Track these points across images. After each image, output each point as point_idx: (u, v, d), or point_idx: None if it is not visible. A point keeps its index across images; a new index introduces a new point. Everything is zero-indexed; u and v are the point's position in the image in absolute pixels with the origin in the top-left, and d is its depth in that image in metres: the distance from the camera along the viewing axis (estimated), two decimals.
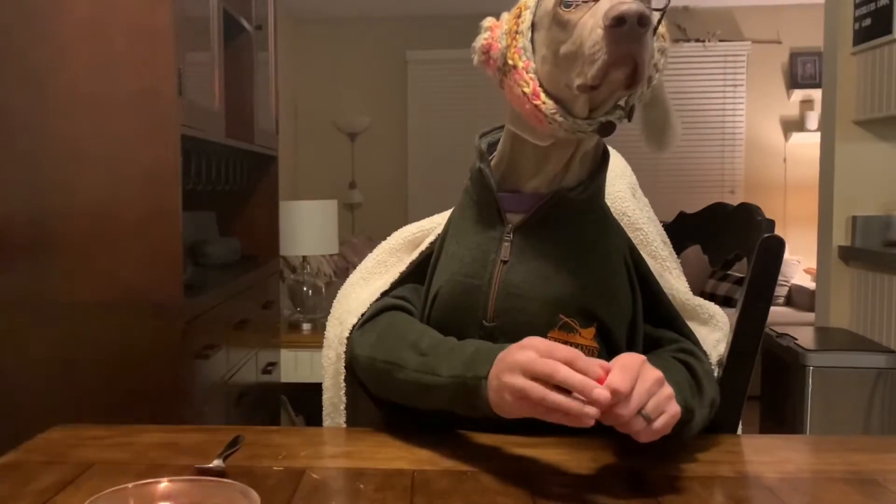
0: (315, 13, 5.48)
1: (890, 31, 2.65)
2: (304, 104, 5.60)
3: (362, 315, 1.10)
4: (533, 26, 0.94)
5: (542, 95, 0.92)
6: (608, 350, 1.01)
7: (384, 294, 1.12)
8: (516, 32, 0.94)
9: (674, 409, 0.82)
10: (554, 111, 0.92)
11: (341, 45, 5.62)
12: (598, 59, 0.83)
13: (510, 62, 0.95)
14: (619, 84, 0.85)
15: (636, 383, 0.79)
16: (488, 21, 0.98)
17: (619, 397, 0.77)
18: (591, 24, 0.85)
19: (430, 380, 0.93)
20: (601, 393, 0.76)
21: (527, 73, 0.93)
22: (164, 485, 0.67)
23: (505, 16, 0.98)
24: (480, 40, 0.97)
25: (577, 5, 0.88)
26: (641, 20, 0.80)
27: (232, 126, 2.49)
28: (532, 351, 0.81)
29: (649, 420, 0.80)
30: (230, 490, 0.66)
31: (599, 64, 0.83)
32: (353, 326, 1.09)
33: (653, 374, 0.82)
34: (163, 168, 1.87)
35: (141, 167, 1.87)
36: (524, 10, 0.95)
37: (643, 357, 0.83)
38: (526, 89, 0.93)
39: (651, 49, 0.88)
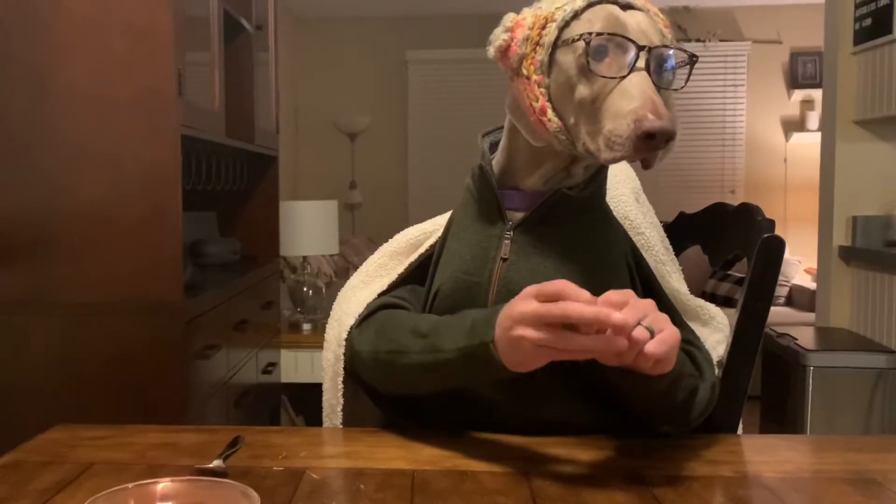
0: (315, 13, 5.49)
1: (890, 31, 2.65)
2: (304, 104, 5.60)
3: (360, 315, 1.10)
4: (556, 43, 0.92)
5: (550, 112, 0.92)
6: None
7: (382, 295, 1.12)
8: (537, 44, 0.93)
9: (673, 329, 0.82)
10: (558, 130, 0.92)
11: (341, 44, 5.62)
12: (616, 150, 0.86)
13: (524, 71, 0.94)
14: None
15: (630, 300, 0.80)
16: (510, 19, 0.96)
17: (615, 305, 0.78)
18: (615, 107, 0.86)
19: (435, 358, 0.93)
20: (619, 317, 0.76)
21: (539, 87, 0.93)
22: (163, 485, 0.67)
23: (527, 13, 0.96)
24: (500, 38, 0.95)
25: (606, 58, 0.88)
26: (668, 138, 0.83)
27: (232, 126, 2.49)
28: (532, 300, 0.82)
29: (651, 330, 0.79)
30: (230, 490, 0.66)
31: (616, 156, 0.86)
32: (352, 327, 1.09)
33: (647, 301, 0.83)
34: (163, 168, 1.88)
35: (141, 167, 1.87)
36: (550, 23, 0.92)
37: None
38: (535, 103, 0.93)
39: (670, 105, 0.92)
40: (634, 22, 0.90)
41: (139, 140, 1.87)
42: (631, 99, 0.85)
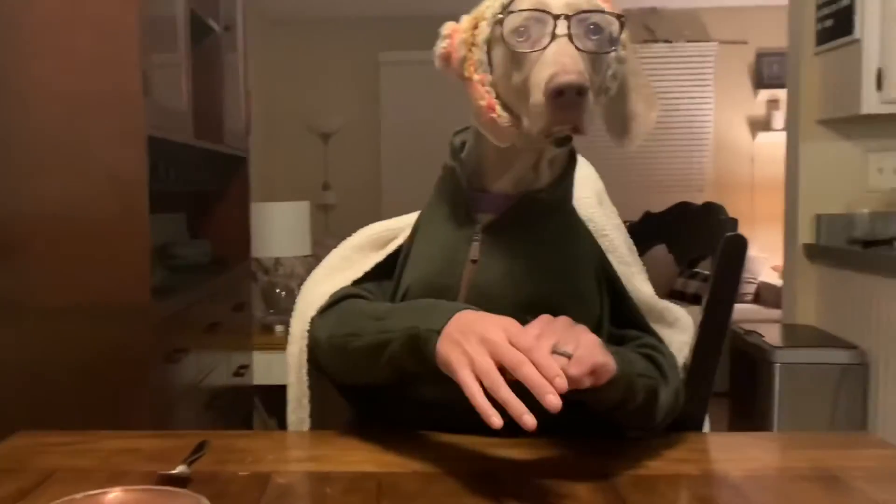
0: (286, 14, 5.46)
1: (851, 32, 2.70)
2: (276, 105, 5.57)
3: (323, 304, 1.09)
4: (491, 40, 0.94)
5: (498, 108, 0.93)
6: None
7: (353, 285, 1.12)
8: (472, 44, 0.94)
9: (587, 336, 0.84)
10: (509, 124, 0.93)
11: (313, 46, 5.60)
12: (539, 119, 0.86)
13: (467, 74, 0.95)
14: (564, 133, 0.88)
15: (537, 331, 0.83)
16: (447, 27, 0.98)
17: (523, 346, 0.80)
18: (537, 78, 0.87)
19: (383, 338, 0.94)
20: (553, 401, 0.76)
21: (482, 85, 0.94)
22: (114, 495, 0.66)
23: (465, 19, 0.98)
24: (440, 47, 0.97)
25: (528, 38, 0.89)
26: (580, 91, 0.83)
27: (200, 127, 2.47)
28: (503, 332, 0.83)
29: (567, 354, 0.80)
30: (184, 499, 0.66)
31: (541, 125, 0.86)
32: (313, 316, 1.09)
33: (557, 320, 0.86)
34: (129, 169, 1.86)
35: (107, 169, 1.85)
36: (481, 22, 0.94)
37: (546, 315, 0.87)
38: (481, 103, 0.94)
39: (605, 72, 0.93)
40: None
41: (105, 141, 1.85)
42: (547, 67, 0.85)
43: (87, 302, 1.86)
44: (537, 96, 0.86)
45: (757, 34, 5.41)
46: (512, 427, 0.99)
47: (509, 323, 0.84)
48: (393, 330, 0.93)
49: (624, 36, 0.93)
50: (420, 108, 5.52)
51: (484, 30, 0.93)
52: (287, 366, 1.14)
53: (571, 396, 0.90)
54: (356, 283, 1.12)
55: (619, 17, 0.92)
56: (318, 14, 5.46)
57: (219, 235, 2.99)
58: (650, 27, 5.40)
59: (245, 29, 3.11)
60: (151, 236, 1.89)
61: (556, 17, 0.88)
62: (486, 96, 0.93)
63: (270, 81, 5.54)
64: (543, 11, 0.88)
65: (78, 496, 0.65)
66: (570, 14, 0.88)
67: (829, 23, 2.83)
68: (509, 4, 0.92)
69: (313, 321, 1.09)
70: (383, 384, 1.02)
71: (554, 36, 0.87)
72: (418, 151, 5.48)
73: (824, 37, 2.87)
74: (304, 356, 1.10)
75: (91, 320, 1.86)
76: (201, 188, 2.86)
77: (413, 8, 5.19)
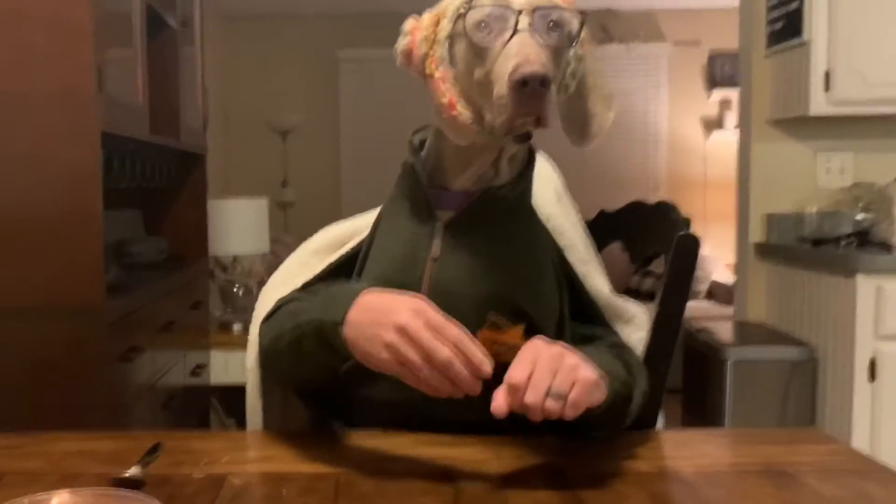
0: (244, 10, 5.40)
1: (800, 34, 2.76)
2: (234, 102, 5.51)
3: (269, 311, 1.09)
4: (453, 36, 0.94)
5: (459, 105, 0.94)
6: None
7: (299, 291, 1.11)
8: (434, 41, 0.95)
9: (584, 375, 0.83)
10: (470, 121, 0.93)
11: (272, 42, 5.55)
12: (502, 111, 0.87)
13: (428, 71, 0.96)
14: (527, 127, 0.89)
15: (535, 367, 0.82)
16: (409, 23, 0.98)
17: (518, 389, 0.80)
18: (500, 70, 0.87)
19: (296, 334, 0.94)
20: (474, 389, 0.79)
21: (444, 83, 0.94)
22: (60, 498, 0.65)
23: (426, 16, 0.98)
24: (401, 44, 0.98)
25: (491, 32, 0.90)
26: (544, 82, 0.84)
27: (156, 123, 2.44)
28: (419, 318, 0.83)
29: (562, 397, 0.81)
30: (133, 502, 0.65)
31: (505, 117, 0.87)
32: (261, 324, 1.09)
33: (549, 351, 0.84)
34: (82, 166, 1.82)
35: (59, 165, 1.82)
36: (443, 18, 0.95)
37: (539, 341, 0.86)
38: (443, 99, 0.94)
39: (564, 68, 0.94)
40: None
41: (57, 137, 1.81)
42: (509, 59, 0.87)
43: (38, 301, 1.83)
44: (501, 88, 0.86)
45: (710, 35, 5.49)
46: (469, 426, 1.01)
47: (421, 306, 0.84)
48: (302, 325, 0.93)
49: (583, 34, 0.95)
50: (379, 105, 5.50)
51: (446, 26, 0.94)
52: (246, 370, 1.13)
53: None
54: (307, 285, 1.12)
55: (579, 14, 0.93)
56: (276, 10, 5.41)
57: (175, 233, 2.94)
58: (606, 28, 5.46)
59: (202, 24, 3.07)
60: (105, 233, 1.86)
61: (518, 12, 0.89)
62: (447, 93, 0.94)
63: (228, 77, 5.47)
64: (505, 7, 0.89)
65: (24, 500, 0.64)
66: (531, 9, 0.89)
67: (779, 25, 2.89)
68: (471, 0, 0.92)
69: (260, 329, 1.08)
70: (323, 383, 1.03)
71: (516, 30, 0.88)
72: (378, 148, 5.46)
73: (774, 38, 2.92)
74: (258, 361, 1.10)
75: (42, 319, 1.83)
76: (158, 185, 2.82)
77: (372, 5, 5.17)
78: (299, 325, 0.94)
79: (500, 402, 0.81)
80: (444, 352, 0.80)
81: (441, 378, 0.81)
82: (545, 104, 0.86)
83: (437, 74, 0.94)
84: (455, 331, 0.82)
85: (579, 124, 0.99)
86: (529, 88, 0.84)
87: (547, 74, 0.84)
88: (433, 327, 0.82)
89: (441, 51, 0.94)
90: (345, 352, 0.88)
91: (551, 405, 0.80)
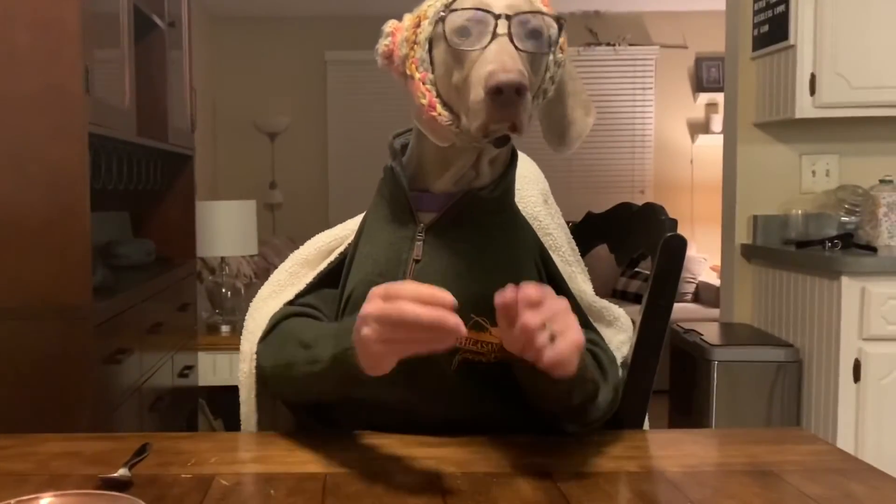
0: (233, 12, 5.39)
1: (786, 38, 2.78)
2: (222, 103, 5.50)
3: (265, 330, 1.09)
4: (433, 38, 0.95)
5: (439, 107, 0.94)
6: None
7: (290, 304, 1.11)
8: (414, 43, 0.95)
9: (577, 335, 0.84)
10: (449, 122, 0.94)
11: (260, 44, 5.54)
12: (477, 116, 0.88)
13: (408, 72, 0.96)
14: (501, 132, 0.89)
15: (546, 300, 0.82)
16: (390, 25, 0.98)
17: (529, 303, 0.80)
18: (477, 75, 0.88)
19: (315, 368, 0.94)
20: (456, 322, 0.78)
21: (423, 84, 0.95)
22: (46, 500, 0.65)
23: (407, 18, 0.98)
24: (382, 45, 0.98)
25: (470, 36, 0.90)
26: (519, 90, 0.85)
27: (144, 124, 2.43)
28: (377, 299, 0.82)
29: (553, 337, 0.81)
30: (118, 503, 0.65)
31: (479, 122, 0.88)
32: (258, 343, 1.09)
33: (562, 301, 0.85)
34: (69, 167, 1.82)
35: (46, 166, 1.81)
36: (423, 20, 0.95)
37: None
38: (423, 101, 0.95)
39: (543, 73, 0.94)
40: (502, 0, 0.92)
41: (44, 138, 1.81)
42: (487, 64, 0.87)
43: (25, 302, 1.82)
44: (477, 93, 0.87)
45: (696, 39, 5.53)
46: (456, 426, 1.01)
47: (373, 291, 0.84)
48: (320, 359, 0.93)
49: (562, 39, 0.95)
50: (367, 107, 5.51)
51: (426, 28, 0.94)
52: (239, 383, 1.13)
53: (525, 381, 0.91)
54: (299, 296, 1.12)
55: (558, 19, 0.94)
56: (265, 12, 5.40)
57: (163, 234, 2.94)
58: (593, 30, 5.48)
59: (190, 25, 3.06)
60: (92, 235, 1.85)
61: (497, 17, 0.89)
62: (426, 94, 0.94)
63: (217, 79, 5.46)
64: (485, 11, 0.90)
65: (11, 502, 0.64)
66: (511, 14, 0.90)
67: (765, 28, 2.91)
68: (451, 3, 0.93)
69: (258, 349, 1.09)
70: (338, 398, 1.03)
71: (494, 35, 0.89)
72: (365, 150, 5.46)
73: (760, 42, 2.94)
74: (254, 379, 1.10)
75: (29, 321, 1.82)
76: (145, 186, 2.81)
77: (360, 7, 5.18)
78: (317, 360, 0.94)
79: (508, 295, 0.81)
80: (404, 307, 0.79)
81: (423, 329, 0.80)
82: (520, 111, 0.86)
83: (417, 76, 0.95)
84: (406, 286, 0.81)
85: (558, 130, 0.99)
86: (505, 96, 0.85)
87: (523, 82, 0.85)
88: (386, 295, 0.81)
89: (421, 53, 0.95)
90: (362, 373, 0.88)
91: (541, 337, 0.80)
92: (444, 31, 0.92)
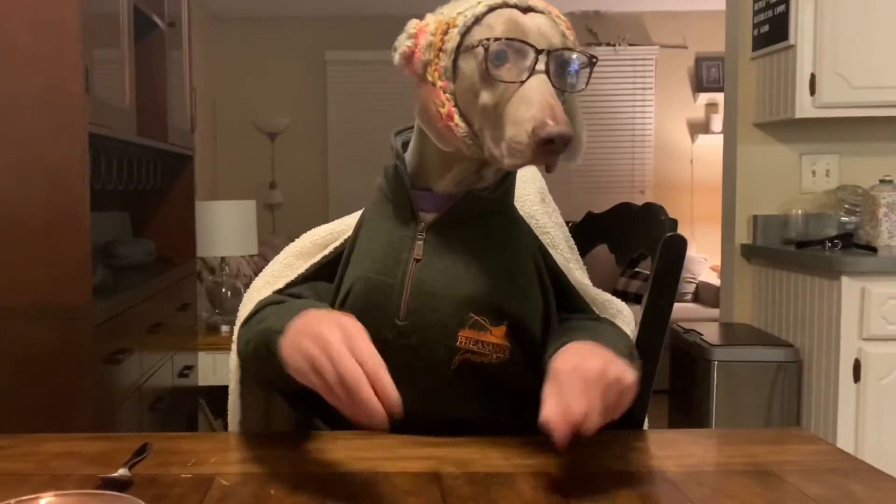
0: (233, 12, 5.39)
1: (786, 38, 2.78)
2: (222, 103, 5.50)
3: (248, 314, 1.08)
4: (459, 49, 0.93)
5: (457, 117, 0.94)
6: (524, 347, 1.03)
7: (279, 293, 1.10)
8: (440, 50, 0.94)
9: (628, 384, 0.85)
10: (465, 134, 0.94)
11: (260, 44, 5.54)
12: (517, 156, 0.88)
13: (430, 78, 0.95)
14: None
15: (587, 393, 0.82)
16: (413, 26, 0.96)
17: (578, 423, 0.81)
18: (517, 114, 0.87)
19: (257, 341, 0.95)
20: (382, 419, 0.76)
21: (444, 93, 0.94)
22: (46, 500, 0.65)
23: (430, 18, 0.97)
24: (404, 44, 0.96)
25: (506, 63, 0.90)
26: (566, 142, 0.85)
27: (144, 124, 2.43)
28: (340, 332, 0.79)
29: (614, 412, 0.84)
30: (120, 503, 0.65)
31: (517, 162, 0.89)
32: (239, 327, 1.09)
33: (592, 371, 0.84)
34: (69, 167, 1.82)
35: (46, 166, 1.81)
36: (452, 28, 0.93)
37: (575, 362, 0.85)
38: (441, 109, 0.94)
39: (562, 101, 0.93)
40: (535, 25, 0.91)
41: (44, 138, 1.81)
42: (530, 105, 0.87)
43: (25, 302, 1.82)
44: (519, 134, 0.87)
45: (696, 39, 5.53)
46: (457, 426, 1.01)
47: (349, 323, 0.81)
48: (262, 332, 0.93)
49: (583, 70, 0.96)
50: (367, 107, 5.51)
51: (454, 37, 0.93)
52: (230, 373, 1.14)
53: None
54: (289, 285, 1.12)
55: (590, 57, 0.94)
56: (265, 12, 5.40)
57: (163, 234, 2.94)
58: (593, 30, 5.48)
59: (190, 25, 3.06)
60: (93, 235, 1.85)
61: (539, 52, 0.89)
62: (447, 104, 0.93)
63: (217, 79, 5.46)
64: (523, 41, 0.89)
65: (11, 502, 0.64)
66: (551, 50, 0.90)
67: (765, 28, 2.91)
68: (482, 16, 0.92)
69: (238, 333, 1.09)
70: (291, 388, 1.02)
71: (534, 70, 0.89)
72: (365, 150, 5.47)
73: (760, 42, 2.95)
74: (237, 364, 1.10)
75: (29, 321, 1.82)
76: (145, 186, 2.81)
77: (360, 7, 5.18)
78: (260, 333, 0.95)
79: (562, 438, 0.81)
80: (354, 371, 0.76)
81: (350, 400, 0.77)
82: (560, 158, 0.88)
83: (439, 84, 0.94)
84: (375, 359, 0.78)
85: (570, 149, 1.00)
86: (553, 147, 0.85)
87: (570, 134, 0.85)
88: (353, 347, 0.78)
89: (446, 62, 0.93)
90: (281, 364, 0.86)
91: (604, 420, 0.83)
92: (484, 55, 0.90)
